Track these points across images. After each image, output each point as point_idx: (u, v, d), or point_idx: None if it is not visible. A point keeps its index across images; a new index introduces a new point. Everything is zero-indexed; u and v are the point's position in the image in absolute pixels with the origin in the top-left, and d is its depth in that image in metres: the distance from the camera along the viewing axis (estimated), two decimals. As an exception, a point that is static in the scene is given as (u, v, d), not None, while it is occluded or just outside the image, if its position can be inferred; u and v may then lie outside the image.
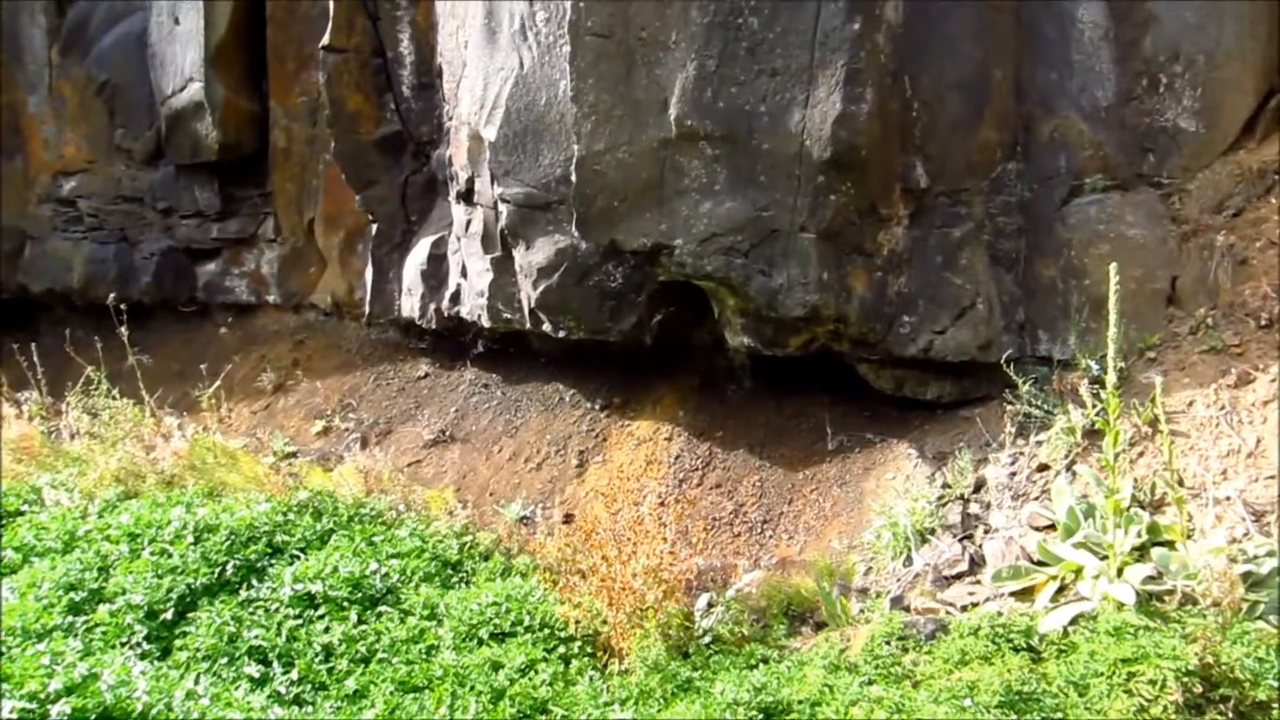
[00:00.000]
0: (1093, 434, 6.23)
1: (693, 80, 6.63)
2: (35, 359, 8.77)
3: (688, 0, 6.57)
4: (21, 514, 7.09)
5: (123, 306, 9.00)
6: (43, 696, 4.40)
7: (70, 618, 5.67)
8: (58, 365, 9.37)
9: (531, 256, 7.76)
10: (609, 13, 6.75)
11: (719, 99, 6.62)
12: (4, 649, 5.25)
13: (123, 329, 8.65)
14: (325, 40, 9.39)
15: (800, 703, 4.79)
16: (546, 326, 8.10)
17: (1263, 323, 6.31)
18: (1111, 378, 5.13)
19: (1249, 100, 7.07)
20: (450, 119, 8.95)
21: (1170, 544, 5.31)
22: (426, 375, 9.78)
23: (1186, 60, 6.98)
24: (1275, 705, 4.37)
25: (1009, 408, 6.61)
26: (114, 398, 8.42)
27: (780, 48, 6.47)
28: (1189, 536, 5.33)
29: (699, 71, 6.61)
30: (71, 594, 5.90)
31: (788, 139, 6.56)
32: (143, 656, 5.38)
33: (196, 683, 4.94)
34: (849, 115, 6.40)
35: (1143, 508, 5.65)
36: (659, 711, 4.96)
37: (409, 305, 9.54)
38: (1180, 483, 5.64)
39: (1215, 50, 6.94)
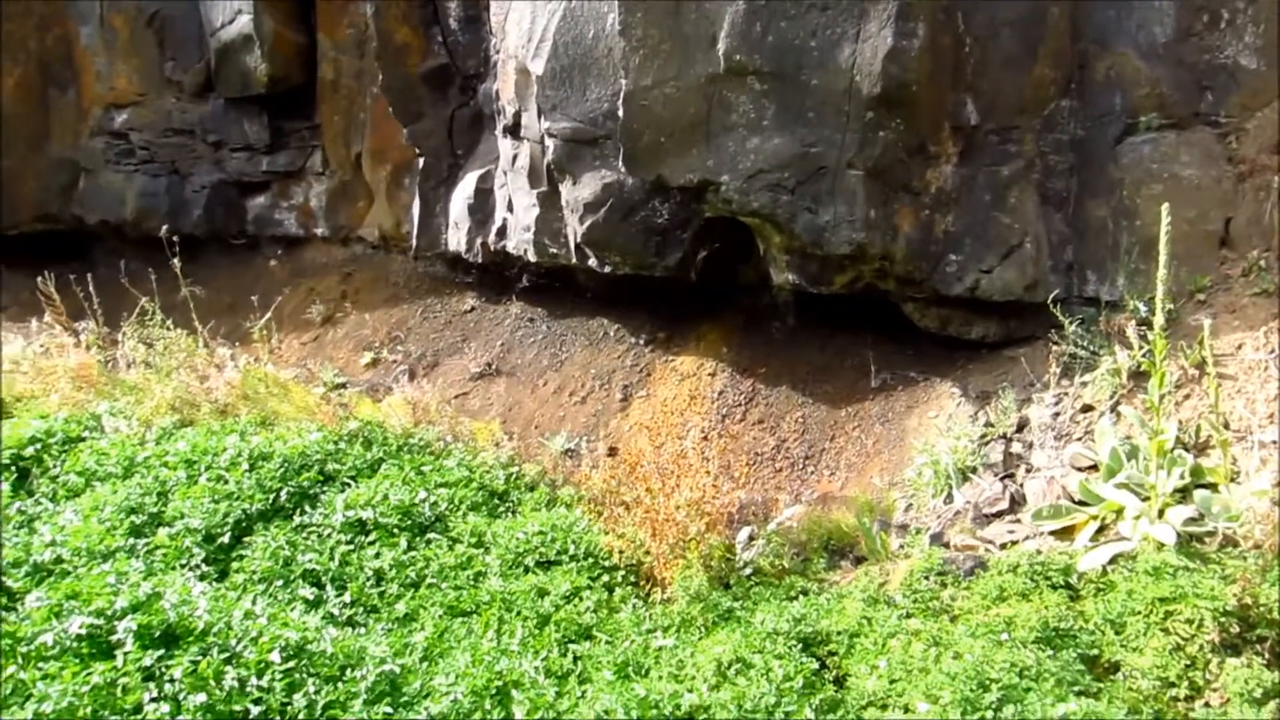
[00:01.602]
0: (1138, 376, 6.21)
1: (742, 14, 6.57)
2: (91, 290, 8.93)
3: (738, -68, 6.50)
4: (83, 440, 7.30)
5: (175, 239, 9.12)
6: (110, 613, 4.59)
7: (131, 540, 5.89)
8: (112, 296, 9.52)
9: (578, 191, 7.78)
10: (658, -55, 6.69)
11: (768, 34, 6.56)
12: (71, 568, 5.48)
13: (175, 261, 8.78)
14: (373, -29, 9.37)
15: (839, 634, 4.89)
16: (592, 262, 8.14)
17: (1317, 265, 6.23)
18: (1159, 319, 5.10)
19: (1313, 36, 6.88)
20: (497, 52, 8.92)
21: (1213, 486, 5.32)
22: (473, 309, 9.88)
23: (1250, -6, 6.80)
24: (1312, 646, 4.41)
25: (1054, 348, 6.60)
26: (168, 328, 8.58)
27: (831, -19, 6.39)
28: (1233, 479, 5.33)
29: (748, 5, 6.54)
30: (132, 517, 6.11)
31: (837, 74, 6.50)
32: (201, 578, 5.58)
33: (254, 603, 5.12)
34: (900, 50, 6.33)
35: (1187, 450, 5.64)
36: (700, 639, 5.09)
37: (455, 239, 9.61)
38: (1225, 425, 5.62)
39: (1280, -16, 6.75)
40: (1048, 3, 6.76)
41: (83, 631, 4.48)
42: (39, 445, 7.11)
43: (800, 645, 4.81)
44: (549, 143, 7.82)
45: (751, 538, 6.07)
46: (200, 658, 4.40)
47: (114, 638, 4.49)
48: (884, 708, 4.40)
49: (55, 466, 6.95)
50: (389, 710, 4.43)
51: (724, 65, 6.69)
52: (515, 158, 8.67)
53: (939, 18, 6.51)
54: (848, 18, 6.41)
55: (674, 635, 5.13)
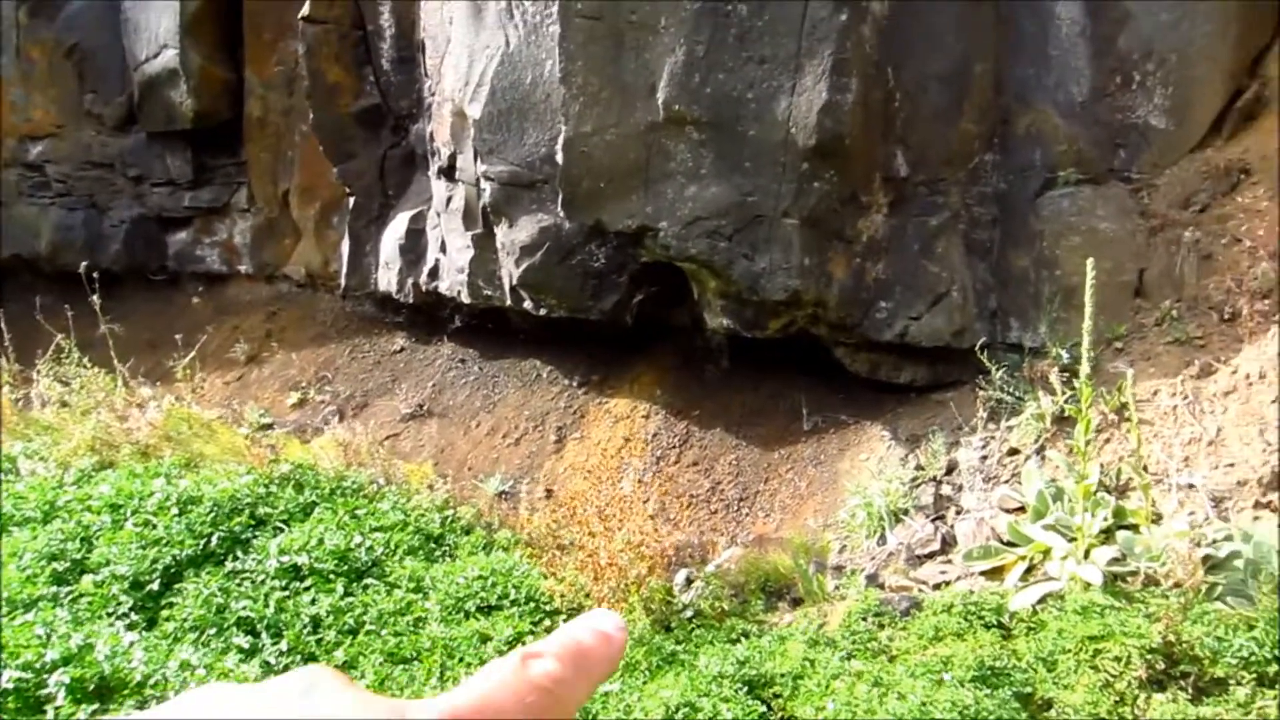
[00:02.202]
0: (1061, 420, 6.44)
1: (681, 65, 6.72)
2: (2, 326, 8.65)
3: (678, -15, 6.66)
4: (-3, 482, 7.04)
5: (94, 274, 8.91)
6: (39, 666, 4.44)
7: (55, 588, 5.68)
8: (25, 333, 9.25)
9: (514, 234, 7.82)
10: (599, -5, 6.82)
11: (707, 84, 6.72)
12: (-7, 618, 5.29)
13: (95, 297, 8.56)
14: (305, 11, 9.35)
15: (783, 676, 4.96)
16: (528, 304, 8.17)
17: (1225, 316, 6.55)
18: (1085, 367, 5.31)
19: (1218, 99, 7.28)
20: (432, 94, 8.95)
21: (1135, 528, 5.53)
22: (403, 349, 9.82)
23: (1159, 58, 7.17)
24: (1233, 681, 4.61)
25: (981, 393, 6.82)
26: (86, 366, 8.35)
27: (768, 36, 6.58)
28: (1154, 521, 5.56)
29: (688, 57, 6.70)
30: (54, 564, 5.90)
31: (773, 126, 6.67)
32: (130, 627, 5.41)
33: (189, 653, 5.00)
34: (834, 104, 6.53)
35: (1109, 492, 5.87)
36: (645, 683, 5.10)
37: (386, 279, 9.56)
38: (1145, 469, 5.87)
39: (1188, 49, 7.13)
40: (973, 60, 7.06)
41: (10, 686, 4.33)
42: (-53, 490, 6.85)
43: (745, 688, 4.87)
44: (485, 185, 7.86)
45: (689, 580, 6.12)
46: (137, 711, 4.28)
47: (44, 691, 4.34)
48: (832, 750, 4.47)
49: (-32, 511, 6.70)
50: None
51: (663, 114, 6.83)
52: (450, 199, 8.68)
53: (870, 73, 6.74)
54: (784, 71, 6.60)
55: (619, 680, 5.14)
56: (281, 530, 6.45)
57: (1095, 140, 7.26)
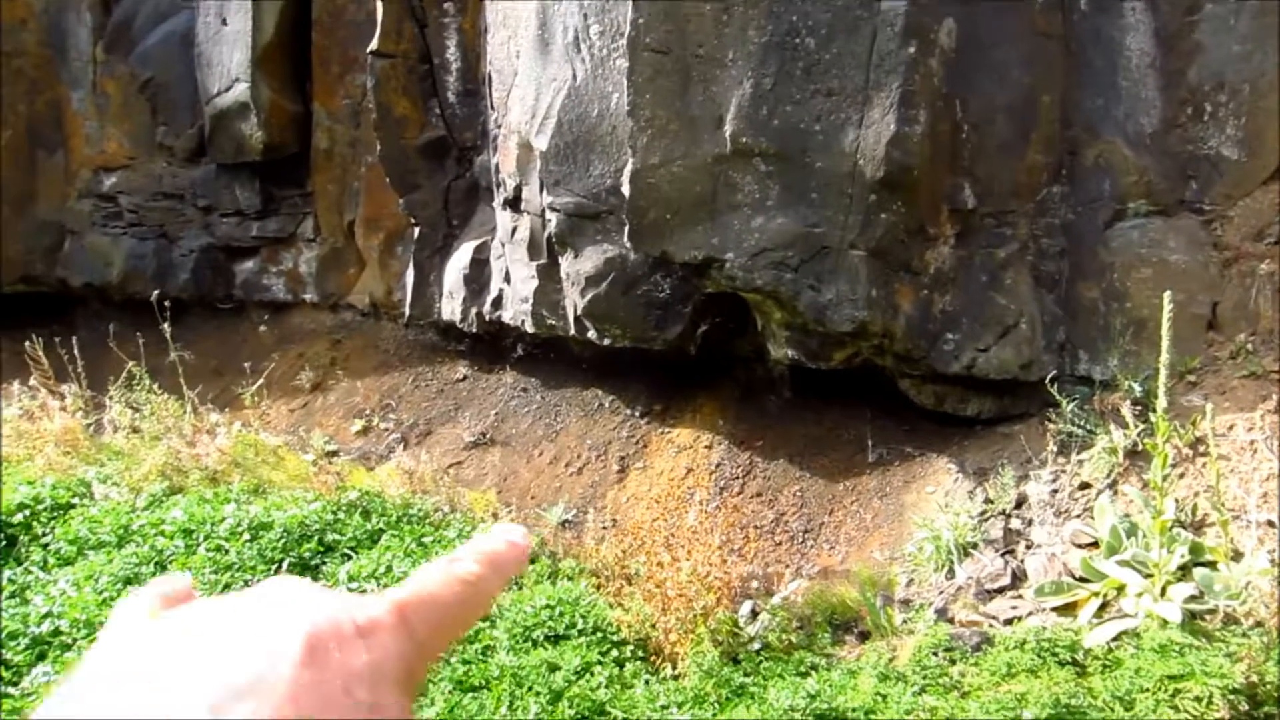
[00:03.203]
0: (1134, 454, 6.36)
1: (749, 98, 6.76)
2: (75, 352, 8.86)
3: (745, 20, 6.72)
4: (72, 506, 7.21)
5: (165, 302, 9.11)
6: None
7: (131, 611, 5.79)
8: (95, 359, 9.45)
9: (579, 265, 7.89)
10: (666, 30, 6.88)
11: (774, 117, 6.76)
12: (70, 639, 5.40)
13: (165, 325, 8.75)
14: (373, 45, 9.53)
15: (854, 710, 4.92)
16: (592, 334, 8.23)
17: (1303, 349, 6.45)
18: (1161, 400, 5.26)
19: (1291, 130, 7.19)
20: (498, 126, 9.08)
21: (1213, 565, 5.44)
22: (465, 378, 9.91)
23: (1231, 90, 7.10)
24: (1319, 724, 4.51)
25: (1050, 426, 6.75)
26: (155, 393, 8.52)
27: (836, 69, 6.61)
28: (1232, 558, 5.46)
29: (755, 89, 6.74)
30: (129, 587, 6.01)
31: (841, 157, 6.69)
32: (206, 651, 5.49)
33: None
34: (902, 136, 6.54)
35: (1184, 528, 5.78)
36: (715, 715, 5.09)
37: (449, 308, 9.68)
38: (1222, 505, 5.77)
39: (1259, 80, 7.05)
40: (1040, 91, 7.04)
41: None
42: (27, 511, 7.01)
43: (817, 722, 4.84)
44: (551, 216, 7.94)
45: (754, 611, 6.10)
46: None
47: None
48: (908, 786, 4.43)
49: (45, 534, 6.85)
50: (412, 788, 4.38)
51: (730, 146, 6.87)
52: (514, 230, 8.78)
53: (938, 105, 6.75)
54: (852, 104, 6.63)
55: (689, 711, 5.12)
56: (350, 557, 6.52)
57: (1165, 172, 7.19)
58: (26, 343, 8.69)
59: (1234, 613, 5.11)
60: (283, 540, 6.49)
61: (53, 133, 12.05)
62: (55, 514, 7.11)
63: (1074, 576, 5.83)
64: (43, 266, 12.18)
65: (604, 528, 7.40)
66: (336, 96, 10.83)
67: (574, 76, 7.56)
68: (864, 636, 6.02)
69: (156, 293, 9.54)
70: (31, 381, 9.00)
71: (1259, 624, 4.99)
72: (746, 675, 5.42)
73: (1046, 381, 6.77)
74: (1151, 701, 4.73)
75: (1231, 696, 4.61)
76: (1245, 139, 7.13)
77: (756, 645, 5.76)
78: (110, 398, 8.75)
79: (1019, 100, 7.01)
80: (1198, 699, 4.65)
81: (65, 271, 12.17)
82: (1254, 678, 4.67)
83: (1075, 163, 7.26)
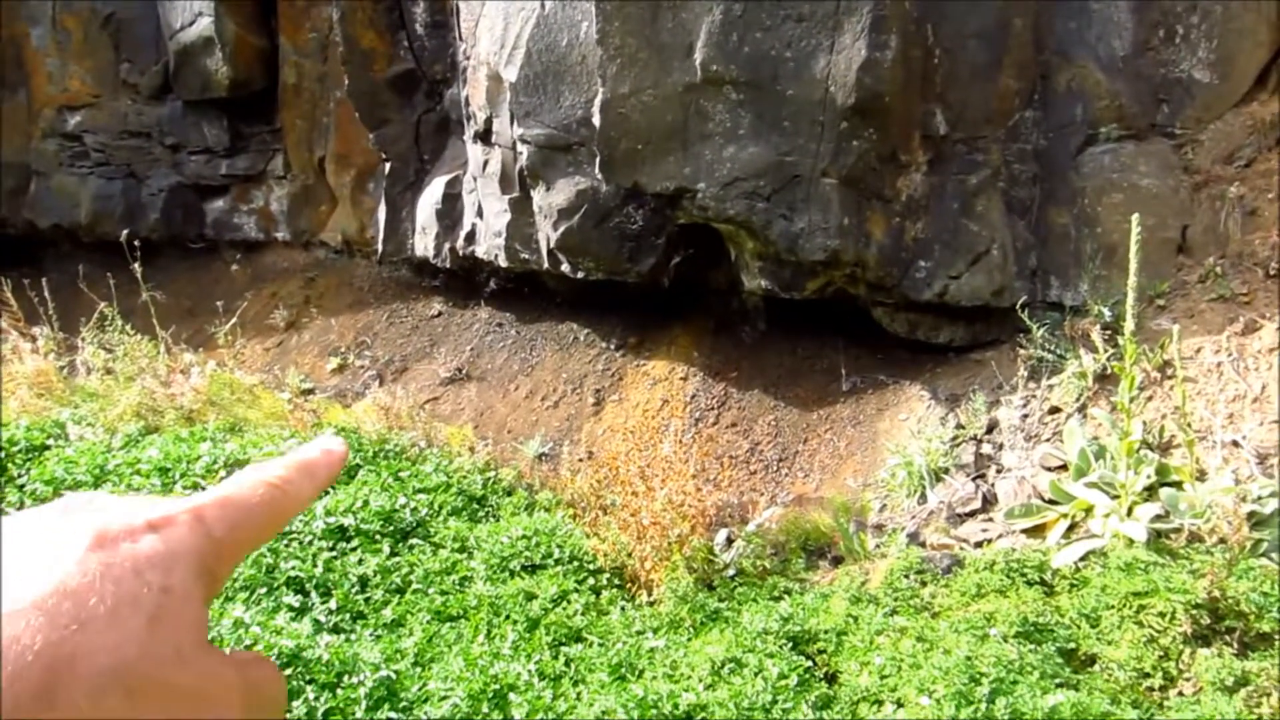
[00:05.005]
0: (1103, 378, 6.42)
1: (718, 25, 6.68)
2: (46, 294, 8.75)
3: (715, -56, 6.61)
4: (47, 447, 7.17)
5: (136, 242, 8.99)
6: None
7: (107, 549, 5.80)
8: (66, 301, 9.34)
9: (551, 198, 7.84)
10: (635, -45, 6.77)
11: (744, 44, 6.68)
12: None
13: (136, 265, 8.65)
14: (338, -24, 9.34)
15: (827, 632, 5.01)
16: (565, 267, 8.20)
17: (1271, 272, 6.48)
18: (1129, 324, 5.29)
19: (1262, 52, 7.16)
20: (467, 58, 8.94)
21: (1178, 484, 5.52)
22: (440, 314, 9.88)
23: (1203, 11, 7.06)
24: (1278, 636, 4.61)
25: (1021, 352, 6.80)
26: (128, 334, 8.46)
27: (806, -7, 6.53)
28: (1197, 478, 5.55)
29: (725, 16, 6.65)
30: (107, 525, 6.01)
31: (812, 85, 6.63)
32: (182, 586, 5.52)
33: (242, 611, 5.10)
34: (873, 62, 6.48)
35: (1152, 449, 5.86)
36: (690, 640, 5.17)
37: (423, 244, 9.61)
38: (1189, 426, 5.84)
39: (1231, 1, 7.01)
40: (1012, 15, 6.97)
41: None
42: (2, 454, 6.99)
43: (790, 644, 4.92)
44: (522, 149, 7.86)
45: (730, 539, 6.17)
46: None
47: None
48: (878, 703, 4.52)
49: (21, 475, 6.83)
50: (391, 715, 4.45)
51: (701, 75, 6.80)
52: (486, 163, 8.69)
53: (909, 30, 6.68)
54: (822, 29, 6.55)
55: (664, 636, 5.20)
56: (327, 492, 6.54)
57: (1137, 95, 7.17)
58: (-7, 285, 8.58)
59: (1198, 531, 5.21)
60: (259, 477, 6.48)
61: (13, 71, 11.77)
62: (31, 455, 7.07)
63: (1043, 499, 5.92)
64: (9, 208, 11.98)
65: (580, 460, 7.44)
66: (303, 30, 10.62)
67: (543, 5, 7.45)
68: (837, 561, 6.11)
69: (126, 233, 9.41)
70: (2, 324, 8.90)
71: (1222, 541, 5.09)
72: (721, 600, 5.50)
73: (1018, 308, 6.81)
74: (1116, 618, 4.84)
75: (1194, 611, 4.71)
76: (1217, 61, 7.10)
77: (731, 572, 5.84)
78: (83, 339, 8.67)
79: (991, 24, 6.94)
80: (1161, 614, 4.76)
81: (32, 213, 11.98)
82: (1216, 593, 4.76)
83: (1047, 87, 7.22)
